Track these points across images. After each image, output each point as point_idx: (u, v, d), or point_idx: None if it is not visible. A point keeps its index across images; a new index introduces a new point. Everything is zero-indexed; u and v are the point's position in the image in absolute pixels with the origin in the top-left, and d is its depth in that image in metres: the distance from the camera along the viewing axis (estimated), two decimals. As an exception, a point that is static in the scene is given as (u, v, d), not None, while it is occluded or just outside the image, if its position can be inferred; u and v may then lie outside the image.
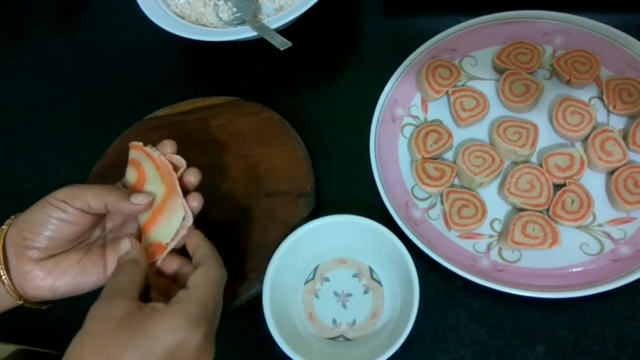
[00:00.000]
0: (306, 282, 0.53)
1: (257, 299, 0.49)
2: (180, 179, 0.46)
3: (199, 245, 0.45)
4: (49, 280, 0.43)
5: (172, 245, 0.44)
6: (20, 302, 0.44)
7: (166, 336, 0.37)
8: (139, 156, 0.47)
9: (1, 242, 0.43)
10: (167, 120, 0.63)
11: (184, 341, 0.38)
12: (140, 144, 0.47)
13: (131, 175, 0.47)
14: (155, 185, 0.46)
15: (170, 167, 0.46)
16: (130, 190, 0.46)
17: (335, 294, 0.52)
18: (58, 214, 0.43)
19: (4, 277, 0.43)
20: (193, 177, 0.47)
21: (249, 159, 0.59)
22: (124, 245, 0.44)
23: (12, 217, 0.45)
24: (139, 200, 0.44)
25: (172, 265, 0.46)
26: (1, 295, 0.43)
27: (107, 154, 0.62)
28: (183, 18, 0.65)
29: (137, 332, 0.37)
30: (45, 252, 0.43)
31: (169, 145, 0.47)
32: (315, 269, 0.53)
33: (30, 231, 0.43)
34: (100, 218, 0.46)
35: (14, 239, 0.43)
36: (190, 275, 0.42)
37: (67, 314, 0.47)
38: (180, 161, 0.47)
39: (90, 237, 0.47)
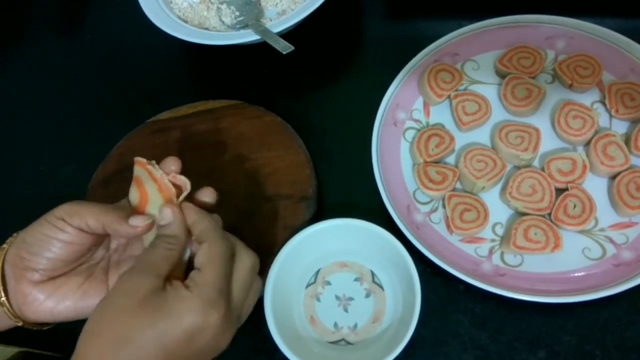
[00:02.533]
0: (308, 285, 0.53)
1: (259, 302, 0.49)
2: (193, 199, 0.44)
3: (196, 221, 0.42)
4: (49, 304, 0.42)
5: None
6: (20, 324, 0.43)
7: (185, 319, 0.37)
8: (142, 174, 0.44)
9: (1, 262, 0.42)
10: (169, 124, 0.63)
11: (202, 324, 0.37)
12: (144, 160, 0.44)
13: (134, 195, 0.44)
14: (157, 208, 0.43)
15: (173, 191, 0.43)
16: (132, 211, 0.43)
17: (337, 297, 0.52)
18: (56, 234, 0.41)
19: (2, 299, 0.42)
20: (208, 197, 0.44)
21: (252, 162, 0.59)
22: (166, 215, 0.41)
23: (14, 234, 0.43)
24: (137, 222, 0.42)
25: None
26: (1, 316, 0.42)
27: (109, 157, 0.62)
28: (186, 22, 0.65)
29: (157, 312, 0.37)
30: (45, 274, 0.42)
31: (172, 163, 0.44)
32: (317, 272, 0.53)
33: (28, 251, 0.42)
34: (101, 238, 0.45)
35: (13, 258, 0.42)
36: (197, 253, 0.41)
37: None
38: (185, 184, 0.43)
39: (93, 257, 0.45)
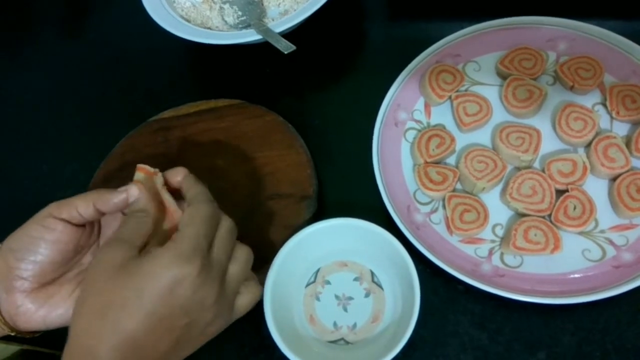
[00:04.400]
0: (307, 284, 0.53)
1: (258, 301, 0.49)
2: (168, 184, 0.45)
3: (189, 187, 0.43)
4: (40, 313, 0.42)
5: None
6: (13, 334, 0.43)
7: (159, 275, 0.37)
8: (145, 181, 0.44)
9: None
10: (171, 122, 0.63)
11: (179, 278, 0.37)
12: (147, 168, 0.45)
13: None
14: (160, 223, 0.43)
15: (174, 208, 0.44)
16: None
17: (337, 297, 0.52)
18: (42, 234, 0.41)
19: None
20: (179, 177, 0.45)
21: (253, 161, 0.59)
22: (133, 192, 0.42)
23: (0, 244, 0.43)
24: (127, 188, 0.42)
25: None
26: None
27: (111, 155, 0.62)
28: (189, 21, 0.65)
29: (132, 276, 0.37)
30: (35, 281, 0.42)
31: (179, 174, 0.45)
32: (317, 271, 0.53)
33: (14, 258, 0.41)
34: (87, 235, 0.44)
35: (0, 270, 0.42)
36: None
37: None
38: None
39: (82, 263, 0.45)
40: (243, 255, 0.43)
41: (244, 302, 0.44)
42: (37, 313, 0.42)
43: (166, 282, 0.37)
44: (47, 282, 0.43)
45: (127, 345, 0.36)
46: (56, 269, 0.43)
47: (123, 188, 0.43)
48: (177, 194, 0.45)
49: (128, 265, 0.38)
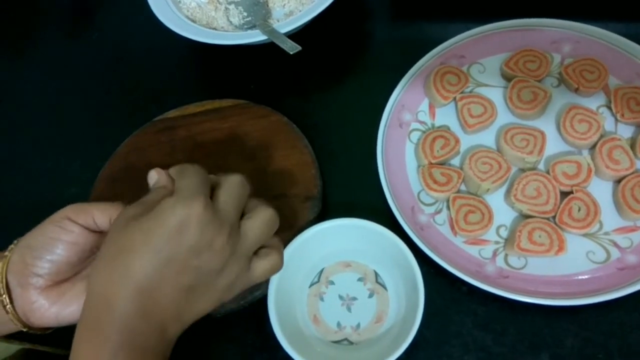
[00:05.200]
0: (311, 284, 0.53)
1: (262, 301, 0.49)
2: None
3: (177, 173, 0.43)
4: (54, 310, 0.43)
5: None
6: (25, 330, 0.43)
7: (166, 216, 0.38)
8: None
9: (4, 271, 0.42)
10: (176, 122, 0.63)
11: (184, 218, 0.38)
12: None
13: None
14: None
15: None
16: None
17: (340, 297, 0.52)
18: (60, 235, 0.42)
19: (7, 306, 0.42)
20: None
21: (257, 161, 0.59)
22: (152, 176, 0.43)
23: (15, 242, 0.44)
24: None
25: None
26: (5, 322, 0.43)
27: (116, 155, 0.62)
28: (194, 21, 0.66)
29: (141, 222, 0.38)
30: (49, 279, 0.42)
31: None
32: (321, 272, 0.53)
33: (32, 256, 0.42)
34: (103, 238, 0.45)
35: (16, 266, 0.42)
36: None
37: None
38: None
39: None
40: (261, 213, 0.43)
41: (261, 266, 0.43)
42: (51, 310, 0.42)
43: (173, 222, 0.38)
44: (61, 280, 0.43)
45: (138, 290, 0.37)
46: (71, 268, 0.43)
47: None
48: None
49: (139, 217, 0.39)
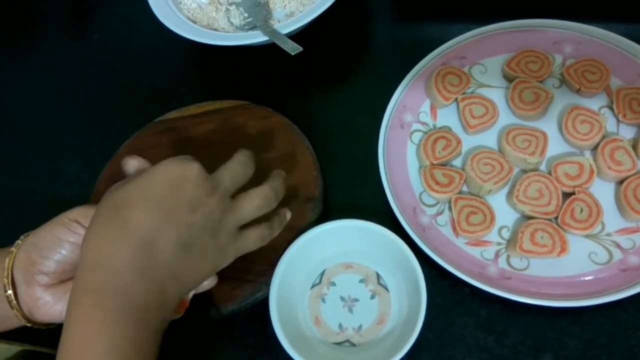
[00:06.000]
0: (313, 286, 0.53)
1: (264, 302, 0.49)
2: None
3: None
4: (58, 307, 0.43)
5: (191, 295, 0.44)
6: (29, 325, 0.44)
7: (164, 171, 0.39)
8: None
9: (10, 267, 0.42)
10: (177, 123, 0.63)
11: (181, 172, 0.39)
12: None
13: None
14: None
15: None
16: None
17: (342, 298, 0.52)
18: (67, 236, 0.42)
19: (12, 302, 0.42)
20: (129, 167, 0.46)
21: (258, 162, 0.58)
22: (131, 163, 0.44)
23: (22, 237, 0.44)
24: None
25: None
26: (9, 317, 0.43)
27: (116, 156, 0.62)
28: (195, 22, 0.65)
29: (138, 180, 0.39)
30: (55, 277, 0.43)
31: None
32: (322, 273, 0.53)
33: (38, 255, 0.42)
34: None
35: (22, 262, 0.42)
36: None
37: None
38: None
39: None
40: (257, 189, 0.44)
41: (250, 235, 0.44)
42: (55, 306, 0.43)
43: (170, 177, 0.39)
44: (66, 278, 0.43)
45: (135, 245, 0.37)
46: (76, 267, 0.43)
47: None
48: None
49: (133, 178, 0.39)
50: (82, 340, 0.35)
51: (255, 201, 0.43)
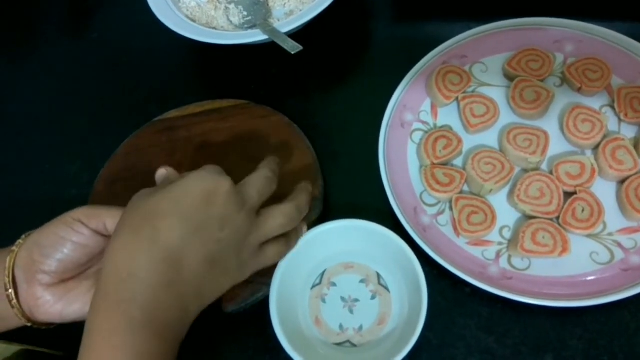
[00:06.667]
0: (313, 286, 0.53)
1: (264, 303, 0.49)
2: None
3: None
4: (58, 307, 0.43)
5: None
6: (29, 325, 0.43)
7: (196, 184, 0.39)
8: None
9: (11, 266, 0.42)
10: (176, 123, 0.63)
11: (213, 188, 0.39)
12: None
13: None
14: None
15: None
16: None
17: (342, 299, 0.52)
18: (71, 236, 0.42)
19: (13, 301, 0.42)
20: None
21: (258, 162, 0.58)
22: (161, 173, 0.44)
23: (23, 236, 0.44)
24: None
25: None
26: (10, 317, 0.43)
27: (116, 156, 0.62)
28: (194, 21, 0.65)
29: (169, 192, 0.39)
30: (56, 277, 0.42)
31: None
32: (323, 273, 0.53)
33: (40, 254, 0.42)
34: None
35: (23, 261, 0.42)
36: None
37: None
38: None
39: (102, 262, 0.45)
40: (282, 205, 0.44)
41: (272, 250, 0.44)
42: (55, 306, 0.43)
43: (202, 191, 0.38)
44: (68, 278, 0.43)
45: (163, 257, 0.36)
46: (78, 267, 0.44)
47: None
48: None
49: (161, 189, 0.39)
50: (106, 349, 0.35)
51: (280, 219, 0.43)
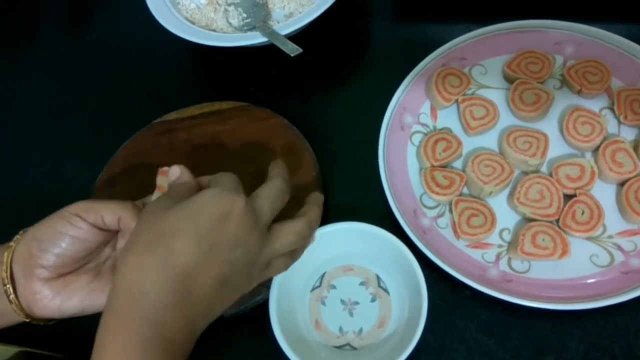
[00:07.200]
0: (313, 289, 0.53)
1: (264, 305, 0.49)
2: None
3: (211, 177, 0.44)
4: (56, 302, 0.42)
5: None
6: (27, 320, 0.43)
7: (210, 204, 0.38)
8: (166, 183, 0.45)
9: (9, 261, 0.42)
10: (176, 125, 0.63)
11: (228, 208, 0.38)
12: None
13: None
14: None
15: None
16: None
17: (342, 301, 0.52)
18: (68, 230, 0.42)
19: (11, 296, 0.42)
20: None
21: (257, 164, 0.58)
22: (174, 171, 0.43)
23: (21, 232, 0.43)
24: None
25: None
26: (8, 313, 0.42)
27: (115, 157, 0.62)
28: (193, 23, 0.65)
29: (183, 210, 0.38)
30: (54, 271, 0.42)
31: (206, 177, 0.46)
32: (322, 276, 0.53)
33: (38, 248, 0.42)
34: (111, 236, 0.45)
35: (21, 256, 0.42)
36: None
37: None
38: None
39: (100, 256, 0.46)
40: (292, 224, 0.43)
41: (278, 265, 0.44)
42: (54, 301, 0.42)
43: (217, 211, 0.38)
44: (66, 272, 0.43)
45: (176, 277, 0.36)
46: (76, 261, 0.43)
47: None
48: None
49: (175, 206, 0.39)
50: None
51: (291, 238, 0.43)
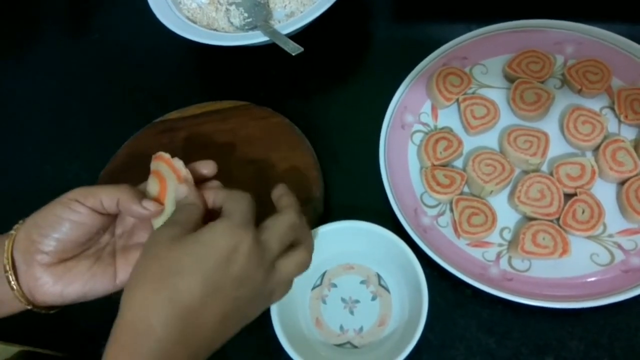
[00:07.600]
0: (314, 287, 0.53)
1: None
2: (193, 170, 0.45)
3: (225, 197, 0.43)
4: (58, 287, 0.43)
5: None
6: (29, 307, 0.44)
7: (218, 242, 0.38)
8: (164, 170, 0.45)
9: (10, 248, 0.42)
10: (177, 124, 0.63)
11: (235, 244, 0.38)
12: (167, 155, 0.45)
13: (153, 187, 0.45)
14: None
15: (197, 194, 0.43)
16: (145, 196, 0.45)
17: (343, 300, 0.52)
18: (68, 215, 0.42)
19: (12, 283, 0.42)
20: (206, 169, 0.46)
21: (258, 163, 0.59)
22: (182, 191, 0.43)
23: (20, 221, 0.44)
24: (149, 205, 0.43)
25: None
26: (10, 300, 0.43)
27: (117, 156, 0.62)
28: (195, 22, 0.65)
29: (189, 245, 0.39)
30: (55, 257, 0.43)
31: (205, 167, 0.46)
32: (323, 274, 0.53)
33: (38, 234, 0.42)
34: (110, 221, 0.46)
35: (22, 243, 0.43)
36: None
37: (71, 315, 0.47)
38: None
39: (99, 242, 0.46)
40: (297, 255, 0.43)
41: (278, 294, 0.44)
42: (55, 286, 0.43)
43: (224, 249, 0.38)
44: (66, 258, 0.44)
45: (181, 315, 0.37)
46: (77, 246, 0.44)
47: (148, 205, 0.43)
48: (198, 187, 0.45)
49: (185, 238, 0.39)
50: None
51: (295, 270, 0.43)
